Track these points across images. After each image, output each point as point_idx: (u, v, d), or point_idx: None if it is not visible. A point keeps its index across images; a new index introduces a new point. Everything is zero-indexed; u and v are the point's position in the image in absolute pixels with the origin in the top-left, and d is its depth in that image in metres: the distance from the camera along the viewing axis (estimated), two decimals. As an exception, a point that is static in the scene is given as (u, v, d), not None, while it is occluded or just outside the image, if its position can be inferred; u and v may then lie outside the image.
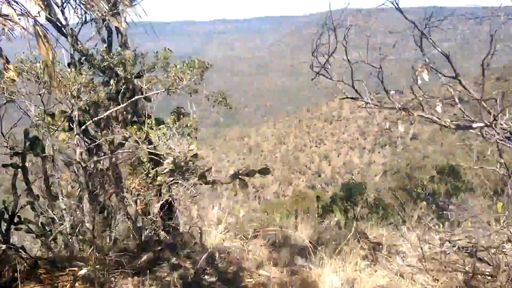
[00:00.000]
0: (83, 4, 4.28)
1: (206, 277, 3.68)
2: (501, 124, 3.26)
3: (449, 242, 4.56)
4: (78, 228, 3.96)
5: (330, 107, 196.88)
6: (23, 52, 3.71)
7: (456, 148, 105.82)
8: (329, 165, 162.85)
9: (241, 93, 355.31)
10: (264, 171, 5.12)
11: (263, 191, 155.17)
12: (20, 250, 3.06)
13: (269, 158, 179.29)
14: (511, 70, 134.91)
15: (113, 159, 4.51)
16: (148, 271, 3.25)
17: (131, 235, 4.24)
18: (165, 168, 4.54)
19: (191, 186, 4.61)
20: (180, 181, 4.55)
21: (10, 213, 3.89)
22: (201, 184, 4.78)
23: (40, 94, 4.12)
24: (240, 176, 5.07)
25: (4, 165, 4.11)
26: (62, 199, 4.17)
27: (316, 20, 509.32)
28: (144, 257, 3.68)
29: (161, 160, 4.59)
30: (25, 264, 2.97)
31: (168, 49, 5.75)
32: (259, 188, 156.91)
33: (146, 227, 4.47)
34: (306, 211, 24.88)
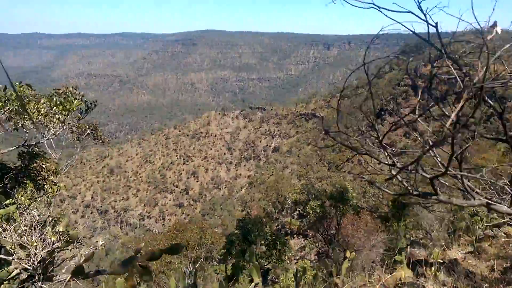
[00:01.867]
0: None
1: None
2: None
3: None
4: None
5: (197, 124, 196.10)
6: None
7: (310, 158, 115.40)
8: (197, 181, 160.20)
9: (100, 110, 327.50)
10: (174, 250, 2.35)
11: (126, 214, 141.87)
12: None
13: (133, 179, 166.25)
14: (351, 89, 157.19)
15: None
16: None
17: None
18: (14, 270, 2.99)
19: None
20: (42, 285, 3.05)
21: None
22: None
23: None
24: (139, 263, 2.34)
25: None
26: None
27: (182, 39, 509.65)
28: None
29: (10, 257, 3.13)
30: None
31: (27, 84, 4.04)
32: (121, 212, 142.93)
33: None
34: (191, 250, 20.30)
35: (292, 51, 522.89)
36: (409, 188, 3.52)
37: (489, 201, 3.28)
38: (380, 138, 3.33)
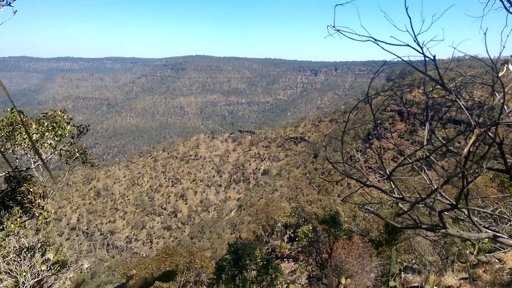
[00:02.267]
0: None
1: None
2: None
3: None
4: None
5: (186, 147, 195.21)
6: None
7: (300, 181, 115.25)
8: (186, 204, 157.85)
9: (88, 132, 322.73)
10: (168, 277, 2.00)
11: (112, 237, 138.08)
12: None
13: (120, 202, 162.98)
14: (340, 114, 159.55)
15: None
16: None
17: None
18: None
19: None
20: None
21: None
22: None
23: None
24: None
25: None
26: None
27: (171, 64, 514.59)
28: None
29: None
30: None
31: (19, 111, 3.92)
32: (108, 234, 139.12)
33: None
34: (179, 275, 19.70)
35: (280, 76, 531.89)
36: (417, 221, 3.55)
37: (496, 234, 3.37)
38: (389, 172, 3.29)
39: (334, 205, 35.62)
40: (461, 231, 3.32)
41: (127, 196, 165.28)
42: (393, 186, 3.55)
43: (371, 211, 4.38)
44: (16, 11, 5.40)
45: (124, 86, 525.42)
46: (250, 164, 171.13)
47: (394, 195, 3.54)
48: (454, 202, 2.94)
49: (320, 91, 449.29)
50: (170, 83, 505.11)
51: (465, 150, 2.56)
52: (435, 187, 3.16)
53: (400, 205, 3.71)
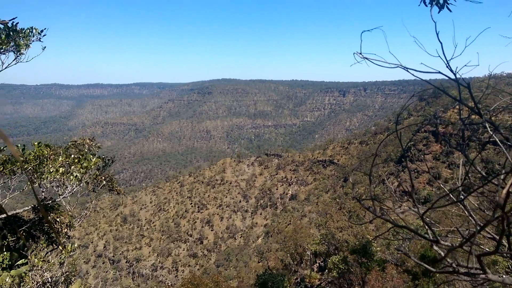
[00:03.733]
0: None
1: None
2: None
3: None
4: None
5: (212, 171, 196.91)
6: None
7: (329, 206, 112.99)
8: (212, 230, 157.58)
9: (115, 158, 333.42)
10: None
11: (138, 265, 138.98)
12: None
13: (146, 228, 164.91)
14: (370, 135, 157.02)
15: None
16: None
17: None
18: None
19: None
20: None
21: None
22: None
23: None
24: None
25: None
26: None
27: (197, 88, 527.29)
28: None
29: None
30: None
31: (46, 145, 4.04)
32: (133, 262, 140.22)
33: None
34: None
35: (307, 98, 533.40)
36: (454, 265, 3.36)
37: None
38: (422, 213, 3.13)
39: (366, 232, 34.52)
40: (503, 275, 3.10)
41: (153, 222, 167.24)
42: (427, 228, 3.39)
43: (402, 252, 4.17)
44: (45, 47, 5.79)
45: (152, 111, 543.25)
46: (277, 189, 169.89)
47: (429, 237, 3.37)
48: (495, 241, 2.92)
49: (348, 112, 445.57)
50: (196, 107, 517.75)
51: (504, 191, 2.43)
52: (473, 231, 3.06)
53: (435, 247, 3.53)
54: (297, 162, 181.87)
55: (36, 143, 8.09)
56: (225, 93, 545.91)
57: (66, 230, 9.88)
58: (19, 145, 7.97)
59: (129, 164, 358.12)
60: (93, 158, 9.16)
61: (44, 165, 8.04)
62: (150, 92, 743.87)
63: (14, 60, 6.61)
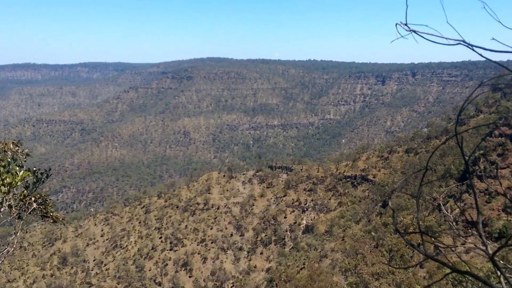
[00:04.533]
0: None
1: None
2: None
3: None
4: None
5: (192, 191, 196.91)
6: None
7: (359, 242, 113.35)
8: (190, 276, 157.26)
9: (53, 171, 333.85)
10: None
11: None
12: None
13: (95, 273, 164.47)
14: (420, 140, 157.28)
15: None
16: None
17: None
18: None
19: None
20: None
21: None
22: None
23: None
24: None
25: None
26: None
27: (172, 71, 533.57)
28: None
29: None
30: None
31: None
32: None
33: None
34: None
35: (331, 86, 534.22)
36: None
37: None
38: (492, 253, 3.06)
39: (414, 281, 34.64)
40: None
41: (105, 265, 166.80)
42: (500, 275, 3.30)
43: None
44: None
45: (105, 103, 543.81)
46: (285, 217, 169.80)
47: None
48: None
49: (390, 106, 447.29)
50: (170, 99, 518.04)
51: None
52: None
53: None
54: (314, 178, 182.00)
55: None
56: (212, 79, 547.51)
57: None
58: None
59: (71, 180, 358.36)
60: (19, 171, 9.13)
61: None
62: (103, 76, 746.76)
63: None
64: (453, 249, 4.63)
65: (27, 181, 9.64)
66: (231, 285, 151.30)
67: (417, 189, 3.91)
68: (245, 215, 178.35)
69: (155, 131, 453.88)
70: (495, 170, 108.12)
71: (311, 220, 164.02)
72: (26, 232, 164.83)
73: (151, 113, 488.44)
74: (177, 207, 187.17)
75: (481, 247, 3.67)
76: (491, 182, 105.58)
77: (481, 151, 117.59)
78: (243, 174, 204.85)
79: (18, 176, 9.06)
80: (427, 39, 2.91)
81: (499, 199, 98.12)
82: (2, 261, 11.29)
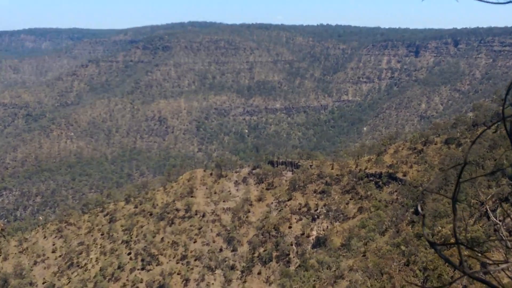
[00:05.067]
0: None
1: None
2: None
3: None
4: None
5: (170, 194, 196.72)
6: None
7: (385, 259, 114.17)
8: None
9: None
10: None
11: None
12: None
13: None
14: (464, 128, 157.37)
15: None
16: None
17: None
18: None
19: None
20: None
21: None
22: None
23: None
24: None
25: None
26: None
27: (143, 40, 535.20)
28: None
29: None
30: None
31: None
32: None
33: None
34: None
35: (349, 58, 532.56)
36: None
37: None
38: None
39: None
40: None
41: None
42: None
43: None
44: None
45: (57, 81, 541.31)
46: (290, 227, 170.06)
47: None
48: None
49: (425, 84, 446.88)
50: (141, 75, 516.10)
51: None
52: None
53: None
54: (328, 177, 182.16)
55: None
56: (195, 49, 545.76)
57: None
58: None
59: (13, 180, 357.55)
60: None
61: None
62: (54, 46, 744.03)
63: None
64: (502, 266, 4.52)
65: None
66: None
67: (454, 188, 3.93)
68: (238, 225, 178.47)
69: (122, 117, 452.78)
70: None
71: (324, 230, 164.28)
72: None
73: (116, 93, 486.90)
74: (151, 214, 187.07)
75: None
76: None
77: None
78: (236, 172, 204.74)
79: None
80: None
81: None
82: None
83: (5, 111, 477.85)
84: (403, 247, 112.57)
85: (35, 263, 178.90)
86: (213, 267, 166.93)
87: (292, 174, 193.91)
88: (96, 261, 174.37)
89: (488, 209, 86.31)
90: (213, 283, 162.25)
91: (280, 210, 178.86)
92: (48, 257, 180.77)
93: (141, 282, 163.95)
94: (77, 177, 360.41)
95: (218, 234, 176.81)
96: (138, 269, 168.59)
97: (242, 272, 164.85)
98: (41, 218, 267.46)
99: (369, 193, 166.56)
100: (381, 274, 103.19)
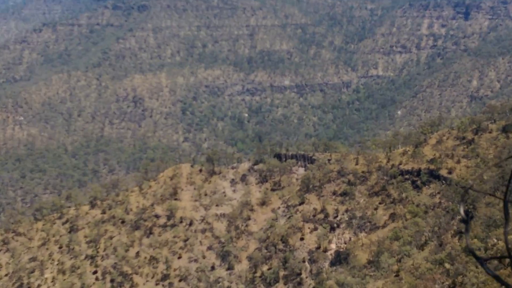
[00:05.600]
0: None
1: None
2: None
3: None
4: None
5: (148, 196, 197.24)
6: None
7: (425, 280, 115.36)
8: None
9: None
10: None
11: None
12: None
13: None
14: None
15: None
16: None
17: None
18: None
19: None
20: None
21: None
22: None
23: None
24: None
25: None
26: None
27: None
28: None
29: None
30: None
31: None
32: None
33: None
34: None
35: (379, 22, 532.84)
36: None
37: None
38: None
39: None
40: None
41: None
42: None
43: None
44: None
45: (3, 50, 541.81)
46: (302, 239, 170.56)
47: None
48: None
49: (478, 55, 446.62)
50: (110, 43, 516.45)
51: None
52: None
53: None
54: (351, 175, 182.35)
55: None
56: (180, 10, 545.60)
57: None
58: None
59: None
60: None
61: None
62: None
63: None
64: None
65: None
66: None
67: (506, 186, 4.10)
68: (235, 236, 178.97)
69: (86, 97, 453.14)
70: None
71: (345, 243, 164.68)
72: None
73: (79, 66, 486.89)
74: (123, 222, 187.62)
75: None
76: None
77: None
78: (233, 168, 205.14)
79: None
80: None
81: None
82: None
83: None
84: (447, 265, 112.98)
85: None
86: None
87: (305, 170, 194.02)
88: (52, 281, 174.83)
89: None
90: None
91: (289, 217, 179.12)
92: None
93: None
94: (27, 173, 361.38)
95: (209, 248, 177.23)
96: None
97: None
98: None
99: (404, 195, 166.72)
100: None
